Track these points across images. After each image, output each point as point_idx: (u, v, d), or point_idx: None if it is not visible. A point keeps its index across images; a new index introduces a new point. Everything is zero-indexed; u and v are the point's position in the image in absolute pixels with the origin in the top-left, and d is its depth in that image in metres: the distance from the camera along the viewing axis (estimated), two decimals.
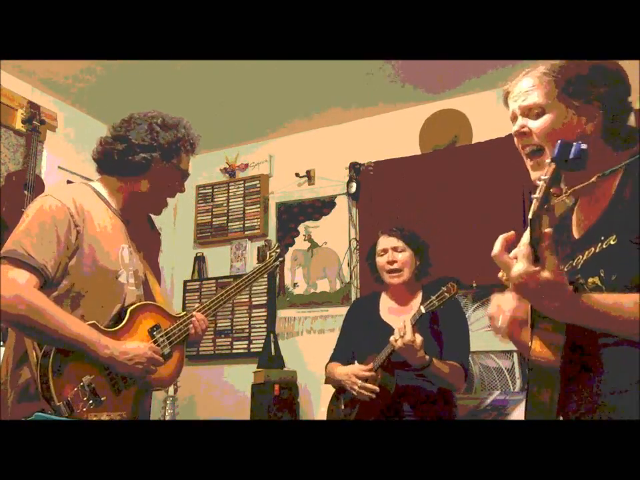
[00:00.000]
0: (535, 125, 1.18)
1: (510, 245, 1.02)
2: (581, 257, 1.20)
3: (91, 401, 1.55)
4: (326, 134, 4.02)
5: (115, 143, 1.75)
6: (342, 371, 2.36)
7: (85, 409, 1.53)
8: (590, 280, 1.17)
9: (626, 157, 1.17)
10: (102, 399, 1.58)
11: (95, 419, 1.55)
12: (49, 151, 3.45)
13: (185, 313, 1.87)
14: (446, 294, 2.13)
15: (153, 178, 1.77)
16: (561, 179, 0.92)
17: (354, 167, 3.77)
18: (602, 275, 1.14)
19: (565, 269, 1.21)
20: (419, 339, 2.08)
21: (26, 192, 3.11)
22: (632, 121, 1.23)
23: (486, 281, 3.19)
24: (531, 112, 1.19)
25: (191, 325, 1.84)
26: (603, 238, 1.15)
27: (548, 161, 0.95)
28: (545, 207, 0.92)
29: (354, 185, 3.75)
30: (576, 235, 1.28)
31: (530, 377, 1.29)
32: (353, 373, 2.29)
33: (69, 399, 1.50)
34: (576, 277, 1.20)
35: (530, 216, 0.93)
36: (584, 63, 1.20)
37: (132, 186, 1.78)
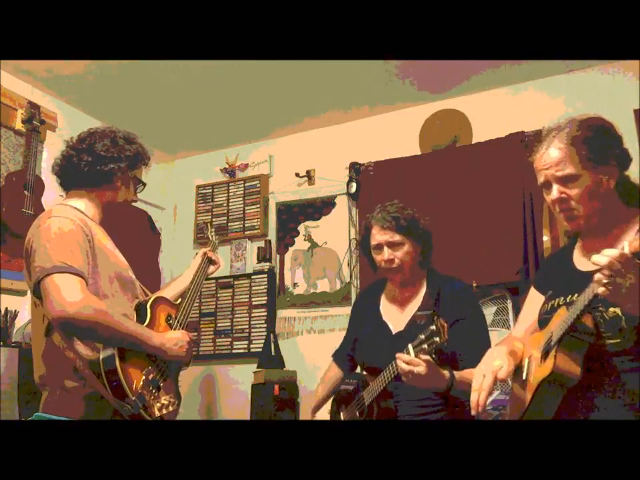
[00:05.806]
0: (573, 191, 1.38)
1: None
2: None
3: (154, 390, 1.66)
4: (326, 134, 4.02)
5: (81, 155, 1.80)
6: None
7: (151, 398, 1.63)
8: (611, 310, 1.26)
9: (636, 214, 1.36)
10: (160, 384, 1.69)
11: (159, 405, 1.66)
12: (49, 151, 3.45)
13: (180, 300, 2.01)
14: (436, 339, 1.68)
15: (118, 188, 1.87)
16: None
17: (354, 167, 3.78)
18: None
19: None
20: (422, 366, 1.70)
21: (26, 192, 3.10)
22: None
23: (486, 281, 3.21)
24: (566, 180, 1.38)
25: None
26: None
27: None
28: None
29: (354, 184, 3.75)
30: (580, 267, 1.42)
31: (536, 396, 1.30)
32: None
33: (139, 391, 1.59)
34: (597, 305, 1.26)
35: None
36: (591, 126, 1.40)
37: (102, 197, 1.85)
